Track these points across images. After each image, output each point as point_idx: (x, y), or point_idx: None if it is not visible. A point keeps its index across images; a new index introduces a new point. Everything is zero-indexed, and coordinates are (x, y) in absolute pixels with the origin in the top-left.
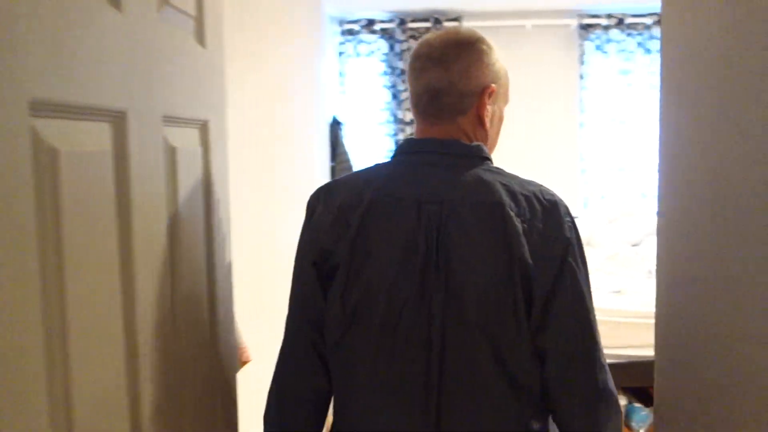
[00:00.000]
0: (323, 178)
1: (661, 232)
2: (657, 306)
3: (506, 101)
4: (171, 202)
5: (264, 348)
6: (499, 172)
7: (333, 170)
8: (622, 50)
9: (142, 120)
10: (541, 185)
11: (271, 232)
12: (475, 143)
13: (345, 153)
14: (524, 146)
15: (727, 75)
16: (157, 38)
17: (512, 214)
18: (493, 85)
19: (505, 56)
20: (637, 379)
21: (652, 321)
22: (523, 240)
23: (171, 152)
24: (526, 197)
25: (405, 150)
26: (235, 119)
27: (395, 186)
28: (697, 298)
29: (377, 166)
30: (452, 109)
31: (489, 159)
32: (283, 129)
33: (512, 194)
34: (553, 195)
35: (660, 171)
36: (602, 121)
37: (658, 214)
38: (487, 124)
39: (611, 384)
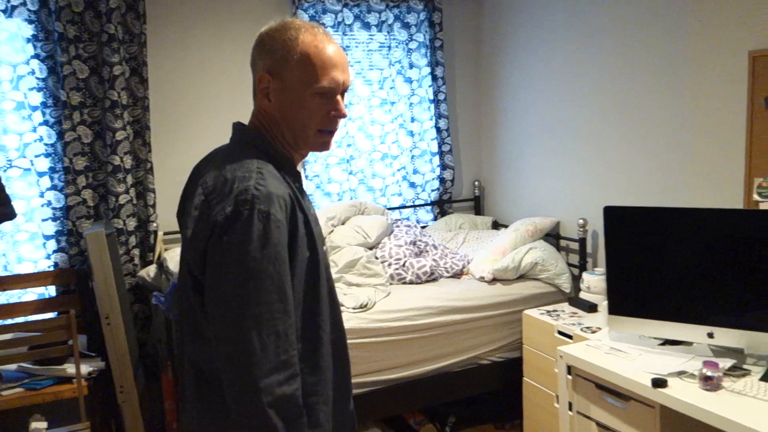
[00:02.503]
0: None
1: None
2: None
3: (308, 80)
4: None
5: None
6: (233, 154)
7: None
8: (340, 22)
9: None
10: (249, 173)
11: None
12: (239, 125)
13: None
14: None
15: None
16: None
17: (200, 191)
18: (261, 72)
19: (210, 31)
20: (392, 406)
21: (403, 337)
22: (195, 214)
23: None
24: (224, 179)
25: None
26: None
27: (200, 163)
28: None
29: None
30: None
31: (245, 141)
32: None
33: (216, 174)
34: (242, 182)
35: None
36: None
37: None
38: (265, 105)
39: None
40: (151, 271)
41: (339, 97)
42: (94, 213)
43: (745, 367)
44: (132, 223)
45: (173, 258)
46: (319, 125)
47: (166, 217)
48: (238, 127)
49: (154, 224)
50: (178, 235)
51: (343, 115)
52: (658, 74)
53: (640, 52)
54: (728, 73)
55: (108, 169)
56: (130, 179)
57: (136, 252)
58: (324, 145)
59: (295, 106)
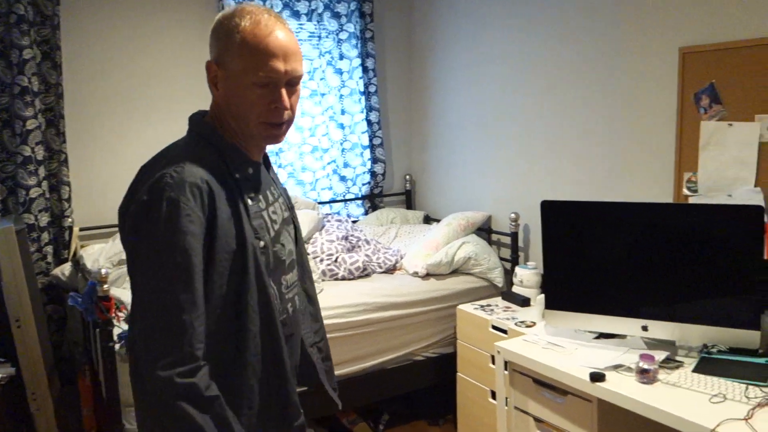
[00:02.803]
0: None
1: None
2: None
3: (246, 70)
4: None
5: None
6: (175, 144)
7: None
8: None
9: None
10: (172, 161)
11: None
12: (193, 115)
13: None
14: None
15: None
16: None
17: (134, 179)
18: (209, 60)
19: (130, 16)
20: (325, 406)
21: (336, 335)
22: (122, 203)
23: None
24: (150, 172)
25: None
26: None
27: None
28: None
29: None
30: None
31: (195, 130)
32: None
33: (150, 165)
34: (161, 169)
35: None
36: None
37: None
38: (215, 94)
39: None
40: (66, 269)
41: (282, 88)
42: (2, 208)
43: (677, 358)
44: (45, 219)
45: (90, 255)
46: (261, 117)
47: (82, 212)
48: (191, 115)
49: (69, 219)
50: (96, 231)
51: (285, 107)
52: (590, 69)
53: (571, 46)
54: (659, 68)
55: (17, 161)
56: (42, 171)
57: (49, 249)
58: (272, 138)
59: (237, 97)
